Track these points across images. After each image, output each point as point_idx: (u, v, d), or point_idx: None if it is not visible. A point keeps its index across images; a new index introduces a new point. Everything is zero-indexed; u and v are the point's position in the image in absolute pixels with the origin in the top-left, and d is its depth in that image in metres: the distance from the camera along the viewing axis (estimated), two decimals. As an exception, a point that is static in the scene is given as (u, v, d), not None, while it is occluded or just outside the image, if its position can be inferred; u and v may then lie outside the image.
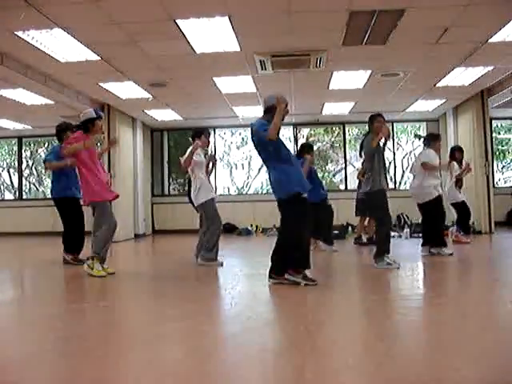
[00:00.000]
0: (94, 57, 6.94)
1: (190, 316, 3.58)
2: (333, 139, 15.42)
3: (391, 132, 5.75)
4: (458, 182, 8.34)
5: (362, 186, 6.02)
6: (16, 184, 15.26)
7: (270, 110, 4.59)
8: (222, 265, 5.90)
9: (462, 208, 8.51)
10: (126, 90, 9.05)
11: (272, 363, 2.51)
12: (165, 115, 11.48)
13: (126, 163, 11.32)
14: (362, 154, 5.80)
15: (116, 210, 10.39)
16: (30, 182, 16.49)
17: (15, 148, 14.51)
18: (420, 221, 7.24)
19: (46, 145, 16.00)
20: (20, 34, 5.96)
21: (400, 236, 9.66)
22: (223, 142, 15.42)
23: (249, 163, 15.73)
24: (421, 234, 7.19)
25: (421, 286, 4.91)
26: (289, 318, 3.48)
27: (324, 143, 16.08)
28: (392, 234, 9.40)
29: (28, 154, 15.95)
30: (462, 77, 8.56)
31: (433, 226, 6.63)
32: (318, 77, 8.42)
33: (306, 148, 7.70)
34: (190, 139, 6.25)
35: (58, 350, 2.78)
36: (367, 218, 8.37)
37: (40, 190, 16.37)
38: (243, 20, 5.84)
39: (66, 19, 5.64)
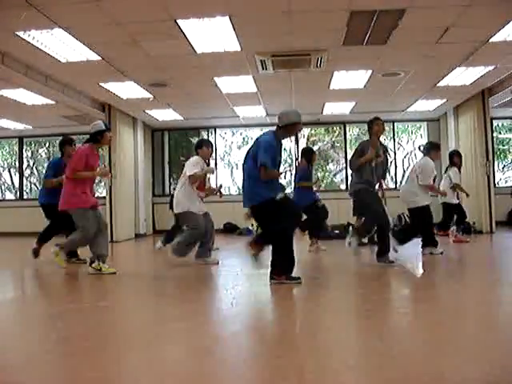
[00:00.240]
0: (95, 57, 6.94)
1: (190, 316, 3.58)
2: (333, 139, 15.44)
3: (379, 152, 5.77)
4: (455, 188, 8.29)
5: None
6: (17, 184, 15.27)
7: (286, 128, 4.68)
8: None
9: (458, 210, 8.49)
10: (126, 90, 9.05)
11: (272, 363, 2.51)
12: (165, 115, 11.48)
13: (127, 163, 11.32)
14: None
15: (116, 209, 10.54)
16: (30, 182, 16.51)
17: (16, 148, 14.51)
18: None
19: (46, 145, 16.03)
20: (21, 33, 5.96)
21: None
22: (224, 141, 15.44)
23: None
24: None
25: (420, 286, 4.91)
26: (289, 318, 3.48)
27: (325, 143, 16.09)
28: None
29: (29, 154, 15.96)
30: (463, 76, 8.56)
31: (422, 230, 6.70)
32: (318, 77, 8.41)
33: (310, 153, 7.78)
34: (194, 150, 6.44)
35: (59, 349, 2.78)
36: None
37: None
38: (244, 20, 5.84)
39: (66, 19, 5.64)
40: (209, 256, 6.26)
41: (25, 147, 14.58)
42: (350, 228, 6.54)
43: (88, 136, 5.65)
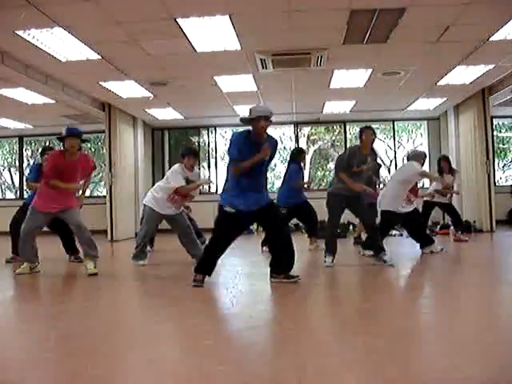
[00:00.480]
0: (95, 56, 6.94)
1: (190, 315, 3.58)
2: (334, 138, 15.42)
3: (368, 159, 5.81)
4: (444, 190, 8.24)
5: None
6: (17, 183, 15.27)
7: (251, 124, 4.52)
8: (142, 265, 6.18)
9: (450, 209, 8.48)
10: (126, 89, 9.04)
11: (273, 363, 2.51)
12: (165, 114, 11.47)
13: (127, 162, 11.32)
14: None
15: (117, 209, 10.53)
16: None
17: (16, 147, 14.51)
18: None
19: (46, 144, 16.01)
20: (20, 33, 5.95)
21: (401, 235, 9.65)
22: (224, 140, 15.42)
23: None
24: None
25: (421, 286, 4.91)
26: (289, 318, 3.48)
27: (325, 142, 16.07)
28: (393, 232, 9.48)
29: (29, 153, 15.94)
30: (463, 75, 8.54)
31: (417, 232, 6.80)
32: (318, 75, 8.40)
33: (298, 153, 7.76)
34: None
35: (58, 349, 2.78)
36: None
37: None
38: (244, 19, 5.83)
39: (66, 18, 5.63)
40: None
41: (25, 146, 14.56)
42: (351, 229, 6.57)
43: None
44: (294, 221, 8.83)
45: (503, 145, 14.59)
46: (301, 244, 8.48)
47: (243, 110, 11.17)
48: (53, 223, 6.20)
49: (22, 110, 10.04)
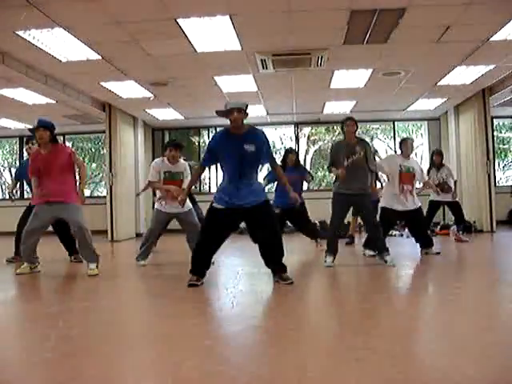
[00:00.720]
0: (95, 56, 6.94)
1: (190, 315, 3.58)
2: (334, 138, 15.42)
3: (355, 150, 5.79)
4: (438, 186, 8.19)
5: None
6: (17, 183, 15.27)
7: (223, 115, 4.60)
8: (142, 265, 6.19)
9: (456, 208, 8.43)
10: (126, 89, 9.05)
11: (273, 363, 2.51)
12: (166, 114, 11.48)
13: (127, 163, 11.32)
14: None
15: (117, 209, 10.54)
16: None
17: (16, 147, 14.52)
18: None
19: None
20: (21, 33, 5.96)
21: (401, 235, 9.66)
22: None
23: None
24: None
25: (421, 285, 4.91)
26: (290, 317, 3.48)
27: (325, 142, 16.09)
28: (393, 232, 9.49)
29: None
30: (464, 75, 8.55)
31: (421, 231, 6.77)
32: (319, 76, 8.41)
33: (285, 153, 7.71)
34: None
35: (59, 349, 2.78)
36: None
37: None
38: (244, 19, 5.84)
39: (66, 18, 5.64)
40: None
41: (25, 147, 14.57)
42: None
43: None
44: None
45: (503, 145, 14.60)
46: (301, 244, 8.49)
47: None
48: (55, 224, 6.21)
49: (22, 110, 10.04)
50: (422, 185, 7.14)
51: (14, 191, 7.47)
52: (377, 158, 6.72)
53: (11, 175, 16.55)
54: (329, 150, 6.16)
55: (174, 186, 6.00)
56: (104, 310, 3.94)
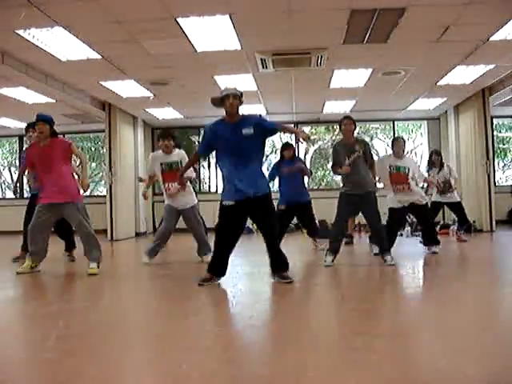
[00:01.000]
0: (95, 55, 6.94)
1: (190, 315, 3.58)
2: (334, 138, 15.41)
3: (355, 149, 5.79)
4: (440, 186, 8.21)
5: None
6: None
7: (218, 103, 4.66)
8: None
9: (459, 208, 8.43)
10: (126, 89, 9.05)
11: (273, 362, 2.51)
12: (166, 114, 11.48)
13: (127, 162, 11.32)
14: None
15: (117, 208, 10.53)
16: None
17: (16, 146, 14.51)
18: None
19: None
20: (21, 32, 5.96)
21: (401, 234, 9.65)
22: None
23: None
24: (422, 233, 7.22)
25: (421, 285, 4.91)
26: (290, 317, 3.48)
27: (325, 142, 16.08)
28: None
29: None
30: (463, 75, 8.55)
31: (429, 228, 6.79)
32: (318, 75, 8.40)
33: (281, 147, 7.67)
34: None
35: (59, 348, 2.78)
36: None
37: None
38: (244, 18, 5.84)
39: (66, 18, 5.63)
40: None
41: (25, 146, 14.57)
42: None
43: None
44: (294, 220, 8.78)
45: (503, 145, 14.60)
46: (300, 244, 8.49)
47: (243, 110, 11.16)
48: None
49: (22, 110, 10.03)
50: (425, 185, 7.14)
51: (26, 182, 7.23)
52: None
53: (11, 174, 16.56)
54: (331, 152, 6.18)
55: (173, 176, 5.94)
56: (104, 309, 3.94)
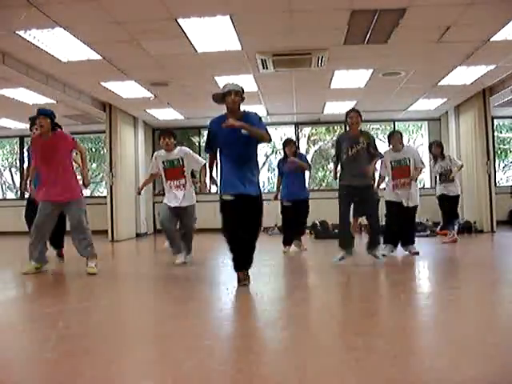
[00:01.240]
0: (96, 56, 6.95)
1: (190, 315, 3.58)
2: (334, 138, 15.41)
3: (359, 141, 5.79)
4: (441, 177, 8.21)
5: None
6: (18, 183, 15.29)
7: (223, 102, 4.56)
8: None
9: (453, 203, 8.37)
10: (127, 90, 9.05)
11: (274, 363, 2.51)
12: (166, 114, 11.48)
13: (128, 162, 11.32)
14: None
15: (117, 209, 10.54)
16: (31, 182, 16.51)
17: (17, 147, 14.53)
18: (421, 219, 7.26)
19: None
20: (21, 33, 5.96)
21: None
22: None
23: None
24: (422, 233, 7.24)
25: (421, 285, 4.91)
26: (290, 317, 3.48)
27: (325, 142, 16.07)
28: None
29: (31, 149, 15.96)
30: (464, 76, 8.55)
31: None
32: (319, 76, 8.41)
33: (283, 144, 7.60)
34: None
35: (59, 348, 2.78)
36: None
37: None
38: (245, 19, 5.84)
39: (67, 18, 5.64)
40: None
41: (25, 146, 14.58)
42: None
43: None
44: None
45: (504, 145, 14.58)
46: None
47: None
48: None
49: (22, 110, 10.04)
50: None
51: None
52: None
53: (12, 175, 16.56)
54: (335, 144, 6.18)
55: (175, 174, 6.08)
56: (104, 310, 3.94)
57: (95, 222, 9.49)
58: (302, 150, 14.56)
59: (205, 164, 6.01)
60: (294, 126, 13.22)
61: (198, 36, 6.29)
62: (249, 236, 4.56)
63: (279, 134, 14.11)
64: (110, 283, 5.22)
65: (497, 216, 10.21)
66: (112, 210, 10.57)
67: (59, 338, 2.99)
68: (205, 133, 13.42)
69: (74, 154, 5.98)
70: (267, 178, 15.31)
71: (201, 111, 11.11)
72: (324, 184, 15.43)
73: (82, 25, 5.86)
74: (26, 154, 7.42)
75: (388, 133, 7.02)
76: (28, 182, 6.34)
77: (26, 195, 7.24)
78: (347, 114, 5.91)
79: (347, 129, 6.11)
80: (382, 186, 6.96)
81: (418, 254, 6.55)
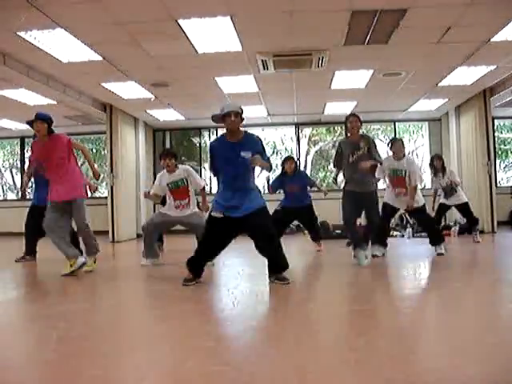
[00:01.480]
0: (96, 57, 6.95)
1: (191, 316, 3.58)
2: (335, 139, 15.41)
3: (360, 145, 5.83)
4: (445, 194, 8.28)
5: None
6: (18, 184, 15.30)
7: (222, 122, 4.61)
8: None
9: (465, 209, 8.46)
10: (128, 90, 9.06)
11: (273, 363, 2.51)
12: (167, 115, 11.48)
13: (129, 163, 11.33)
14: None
15: (118, 210, 10.54)
16: (32, 182, 16.53)
17: (17, 148, 14.54)
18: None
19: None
20: (22, 34, 5.97)
21: (402, 236, 9.66)
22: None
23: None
24: (423, 234, 7.23)
25: (422, 286, 4.90)
26: (290, 318, 3.48)
27: (326, 143, 16.09)
28: (394, 233, 9.49)
29: (30, 154, 15.99)
30: (465, 76, 8.54)
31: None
32: (319, 76, 8.41)
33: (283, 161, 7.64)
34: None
35: (59, 349, 2.78)
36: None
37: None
38: (245, 20, 5.84)
39: (67, 19, 5.64)
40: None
41: (26, 147, 14.59)
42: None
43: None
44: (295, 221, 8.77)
45: (504, 146, 14.59)
46: (301, 245, 8.49)
47: (244, 111, 11.17)
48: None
49: (23, 111, 10.04)
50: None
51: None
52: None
53: (12, 176, 16.58)
54: (335, 149, 6.22)
55: (181, 193, 6.11)
56: (104, 310, 3.94)
57: (96, 223, 9.52)
58: (303, 151, 14.59)
59: (204, 187, 6.35)
60: (294, 126, 13.22)
61: (198, 37, 6.29)
62: (267, 244, 4.63)
63: (279, 135, 14.12)
64: (110, 284, 5.22)
65: (497, 216, 10.21)
66: (113, 211, 10.58)
67: (59, 338, 2.99)
68: (205, 133, 13.47)
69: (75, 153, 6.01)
70: (267, 179, 15.28)
71: (201, 112, 11.11)
72: (324, 184, 15.42)
73: (83, 25, 5.87)
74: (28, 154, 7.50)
75: (389, 139, 7.01)
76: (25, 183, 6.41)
77: (27, 196, 7.29)
78: (347, 118, 5.91)
79: (347, 134, 6.11)
80: (382, 186, 6.98)
81: (442, 254, 6.49)
